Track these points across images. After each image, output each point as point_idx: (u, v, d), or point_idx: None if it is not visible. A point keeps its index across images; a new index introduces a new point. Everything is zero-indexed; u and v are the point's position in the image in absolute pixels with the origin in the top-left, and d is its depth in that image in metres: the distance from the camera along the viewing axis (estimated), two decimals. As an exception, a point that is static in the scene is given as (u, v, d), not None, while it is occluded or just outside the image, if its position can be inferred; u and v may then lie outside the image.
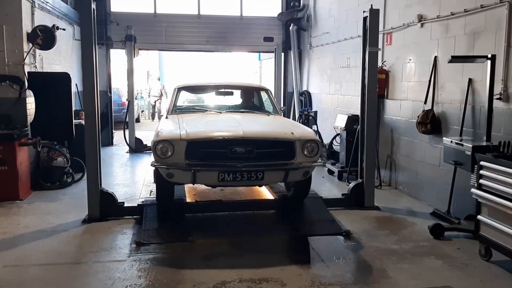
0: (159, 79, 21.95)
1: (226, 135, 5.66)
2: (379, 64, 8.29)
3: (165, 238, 5.34)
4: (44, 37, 7.81)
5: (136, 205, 6.35)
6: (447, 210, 6.19)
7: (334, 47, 10.81)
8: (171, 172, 5.50)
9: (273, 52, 13.84)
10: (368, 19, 6.48)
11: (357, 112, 9.34)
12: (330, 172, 9.14)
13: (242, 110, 7.55)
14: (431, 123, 6.66)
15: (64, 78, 7.87)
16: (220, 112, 7.24)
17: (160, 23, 12.66)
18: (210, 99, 9.34)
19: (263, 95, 8.22)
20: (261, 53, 18.78)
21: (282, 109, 8.30)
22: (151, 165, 5.69)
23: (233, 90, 8.37)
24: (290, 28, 12.82)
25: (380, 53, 8.19)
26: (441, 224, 5.60)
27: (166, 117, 7.14)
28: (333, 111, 10.90)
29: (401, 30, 7.72)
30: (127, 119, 12.06)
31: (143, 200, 6.43)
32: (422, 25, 7.11)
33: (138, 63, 14.66)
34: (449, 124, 6.48)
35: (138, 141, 12.01)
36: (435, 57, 6.74)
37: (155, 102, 21.38)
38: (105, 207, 6.09)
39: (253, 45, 13.33)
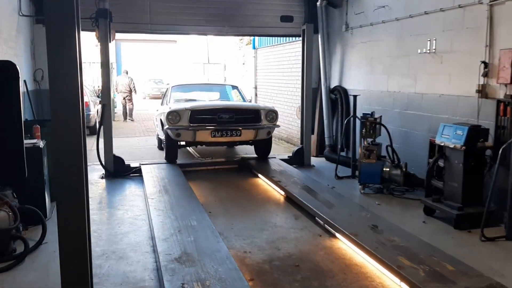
0: (127, 73, 18.31)
1: (216, 106, 8.64)
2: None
3: None
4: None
5: None
6: None
7: (399, 26, 7.71)
8: (179, 132, 8.13)
9: (292, 36, 10.78)
10: None
11: (455, 117, 6.40)
12: (428, 211, 6.04)
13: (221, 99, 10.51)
14: None
15: (5, 71, 4.32)
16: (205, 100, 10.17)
17: (142, -5, 9.15)
18: (195, 95, 10.94)
19: (235, 90, 10.95)
20: (256, 40, 15.46)
21: (249, 100, 11.48)
22: (164, 129, 8.40)
23: (213, 87, 12.05)
24: (318, 3, 9.63)
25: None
26: None
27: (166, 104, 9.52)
28: (396, 115, 7.85)
29: None
30: (101, 130, 8.53)
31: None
32: None
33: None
34: None
35: (118, 160, 8.50)
36: None
37: (124, 99, 17.89)
38: None
39: (267, 27, 9.98)
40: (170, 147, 8.58)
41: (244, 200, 6.92)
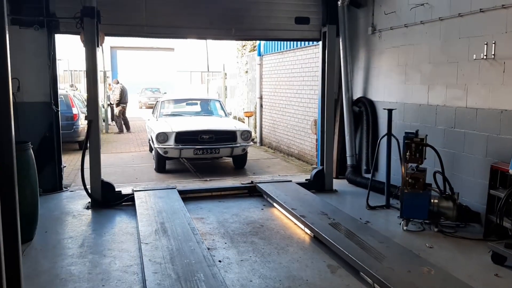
0: (118, 82, 17.18)
1: (198, 129, 9.78)
2: None
3: None
4: None
5: None
6: None
7: (444, 27, 6.45)
8: (166, 150, 9.48)
9: (308, 40, 9.58)
10: None
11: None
12: (498, 258, 4.72)
13: (203, 114, 11.92)
14: None
15: None
16: (191, 116, 11.64)
17: (137, -7, 7.86)
18: (182, 109, 12.41)
19: (217, 104, 12.42)
20: (262, 46, 14.19)
21: (229, 113, 13.27)
22: (154, 147, 9.78)
23: (197, 102, 12.82)
24: (339, 3, 8.35)
25: None
26: None
27: (157, 120, 10.95)
28: (440, 133, 6.56)
29: None
30: (86, 150, 7.21)
31: None
32: None
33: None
34: None
35: (106, 186, 7.16)
36: None
37: (123, 111, 16.86)
38: None
39: (280, 30, 8.65)
40: (159, 159, 9.88)
41: (260, 240, 5.58)
